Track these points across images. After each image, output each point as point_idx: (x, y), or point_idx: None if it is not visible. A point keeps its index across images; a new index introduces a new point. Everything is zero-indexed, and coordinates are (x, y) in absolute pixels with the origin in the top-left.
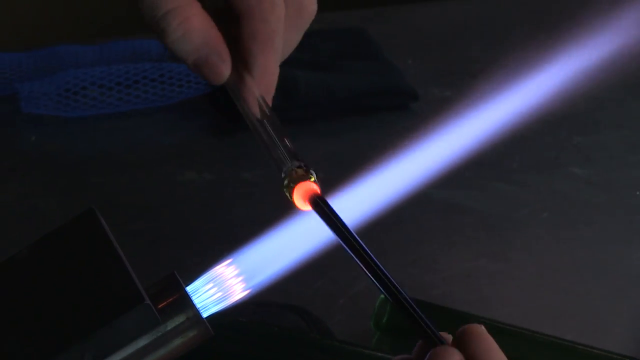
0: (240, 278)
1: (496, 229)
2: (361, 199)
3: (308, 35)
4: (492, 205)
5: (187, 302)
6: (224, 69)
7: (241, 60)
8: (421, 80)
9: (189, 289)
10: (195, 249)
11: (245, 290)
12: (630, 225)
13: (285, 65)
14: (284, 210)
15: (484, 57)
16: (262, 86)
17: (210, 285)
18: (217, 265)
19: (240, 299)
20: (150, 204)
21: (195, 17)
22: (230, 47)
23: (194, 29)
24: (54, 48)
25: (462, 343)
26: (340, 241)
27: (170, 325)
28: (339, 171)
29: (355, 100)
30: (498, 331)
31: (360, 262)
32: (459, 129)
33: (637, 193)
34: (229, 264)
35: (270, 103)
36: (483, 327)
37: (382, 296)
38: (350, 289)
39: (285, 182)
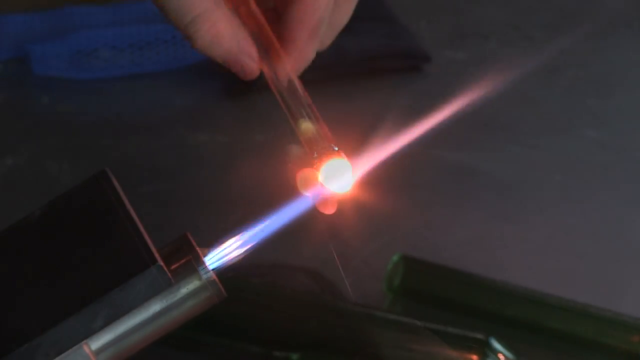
0: (252, 240)
1: (509, 192)
2: (374, 162)
3: None
4: (504, 168)
5: (199, 263)
6: (254, 68)
7: (282, 39)
8: (433, 42)
9: (201, 250)
10: (208, 211)
11: (256, 250)
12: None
13: None
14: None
15: (497, 19)
16: (295, 64)
17: (224, 246)
18: (230, 226)
19: (252, 260)
20: (163, 166)
21: (221, 21)
22: (271, 26)
23: (222, 34)
24: (66, 9)
25: None
26: None
27: (183, 286)
28: (352, 134)
29: (366, 62)
30: (510, 293)
31: None
32: (472, 91)
33: None
34: (242, 226)
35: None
36: None
37: (395, 258)
38: (363, 252)
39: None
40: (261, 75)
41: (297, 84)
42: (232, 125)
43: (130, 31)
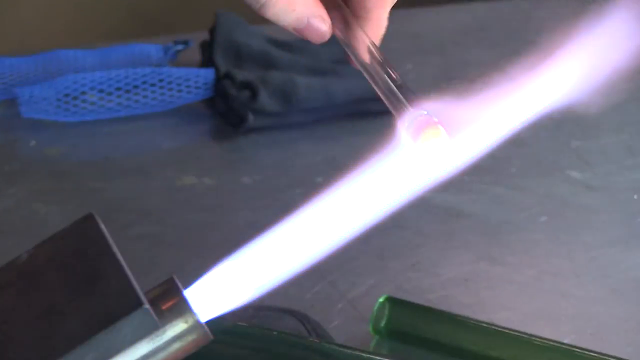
0: (239, 282)
1: (495, 233)
2: (360, 203)
3: (307, 41)
4: (490, 210)
5: (186, 306)
6: (326, 31)
7: (353, 8)
8: (420, 84)
9: (188, 293)
10: (195, 254)
11: (245, 294)
12: (629, 228)
13: (285, 70)
14: (283, 214)
15: (483, 62)
16: (372, 35)
17: (210, 289)
18: (217, 269)
19: (240, 303)
20: (150, 209)
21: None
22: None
23: (295, 1)
24: (54, 52)
25: None
26: None
27: (169, 329)
28: (339, 175)
29: (354, 105)
30: (496, 334)
31: None
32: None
33: (635, 197)
34: (229, 269)
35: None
36: None
37: (381, 300)
38: (349, 293)
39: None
40: (248, 119)
41: (379, 53)
42: (219, 167)
43: (118, 74)
